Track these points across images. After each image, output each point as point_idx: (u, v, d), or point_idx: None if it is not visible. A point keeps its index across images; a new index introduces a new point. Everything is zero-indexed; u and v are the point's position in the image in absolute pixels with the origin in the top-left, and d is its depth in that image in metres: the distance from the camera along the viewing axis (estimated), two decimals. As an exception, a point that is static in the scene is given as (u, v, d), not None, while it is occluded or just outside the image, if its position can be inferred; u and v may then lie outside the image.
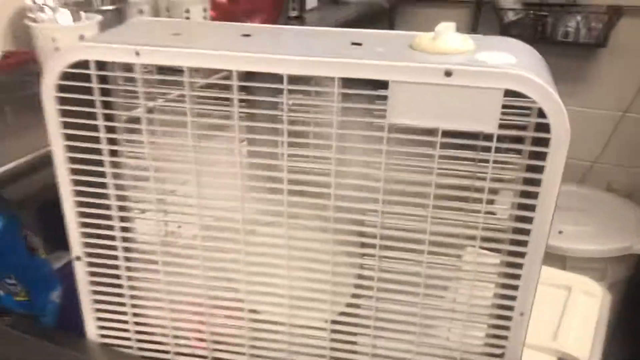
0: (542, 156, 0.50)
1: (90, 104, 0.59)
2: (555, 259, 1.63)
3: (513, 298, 0.58)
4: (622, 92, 1.97)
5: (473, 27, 2.03)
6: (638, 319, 1.94)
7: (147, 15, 1.01)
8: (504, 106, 0.49)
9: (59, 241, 0.89)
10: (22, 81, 0.91)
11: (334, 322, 0.64)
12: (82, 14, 0.85)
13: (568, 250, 1.67)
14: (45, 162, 0.75)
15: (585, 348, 1.11)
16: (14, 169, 0.76)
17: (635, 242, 1.67)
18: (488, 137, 0.50)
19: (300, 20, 1.52)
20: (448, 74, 0.49)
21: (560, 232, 1.75)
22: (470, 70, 0.48)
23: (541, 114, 0.48)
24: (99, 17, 0.83)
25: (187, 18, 1.02)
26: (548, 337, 1.12)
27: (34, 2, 0.94)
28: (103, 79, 0.58)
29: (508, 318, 0.59)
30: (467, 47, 0.52)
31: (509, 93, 0.48)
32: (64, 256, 0.97)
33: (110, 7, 0.92)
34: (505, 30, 1.90)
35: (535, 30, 1.86)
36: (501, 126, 0.49)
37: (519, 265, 0.56)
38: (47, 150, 0.74)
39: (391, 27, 2.12)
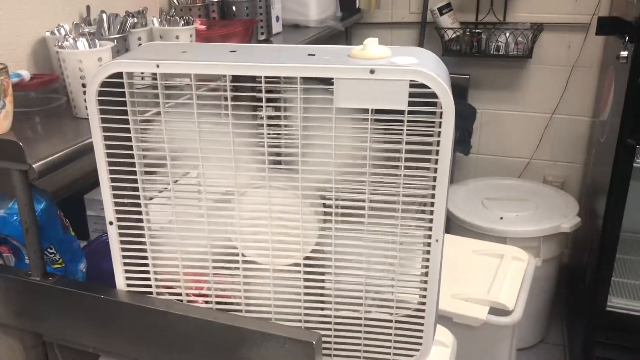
0: (436, 123, 0.75)
1: (122, 104, 0.82)
2: (497, 240, 1.88)
3: (430, 229, 0.82)
4: (549, 95, 2.27)
5: (419, 45, 2.31)
6: (566, 288, 2.22)
7: (144, 42, 1.24)
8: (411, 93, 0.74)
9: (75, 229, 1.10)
10: (48, 97, 1.13)
11: (306, 258, 0.88)
12: (97, 41, 1.08)
13: (507, 232, 1.94)
14: (69, 160, 0.97)
15: (512, 299, 1.36)
16: (44, 165, 0.93)
17: (564, 222, 1.95)
18: (402, 111, 0.75)
19: (268, 42, 1.76)
20: (372, 71, 0.73)
21: (501, 218, 2.01)
22: (386, 68, 0.73)
23: (435, 95, 0.73)
24: (111, 44, 1.06)
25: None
26: (482, 292, 1.37)
27: (54, 34, 1.17)
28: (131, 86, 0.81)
29: (428, 244, 0.83)
30: (386, 54, 0.77)
31: (413, 83, 0.73)
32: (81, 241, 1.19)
33: (117, 36, 1.15)
34: (446, 46, 2.19)
35: (471, 46, 2.15)
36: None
37: (432, 204, 0.80)
38: (70, 150, 0.96)
39: (348, 47, 2.38)
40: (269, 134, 0.80)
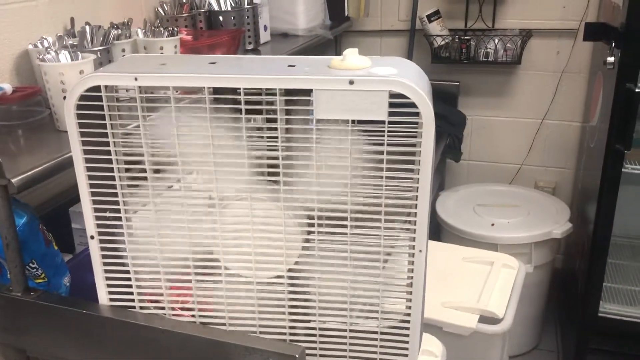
0: (418, 133, 0.74)
1: (101, 117, 0.81)
2: (488, 246, 1.87)
3: (413, 239, 0.81)
4: (539, 101, 2.27)
5: (409, 52, 2.31)
6: (559, 294, 2.21)
7: (128, 54, 1.24)
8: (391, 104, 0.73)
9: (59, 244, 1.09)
10: (31, 110, 1.12)
11: (290, 270, 0.87)
12: (79, 53, 1.07)
13: (499, 239, 1.93)
14: (51, 173, 0.96)
15: (502, 307, 1.35)
16: (23, 180, 0.92)
17: (555, 227, 1.95)
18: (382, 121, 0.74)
19: (255, 52, 1.76)
20: (351, 82, 0.73)
21: (492, 225, 2.01)
22: (365, 79, 0.73)
23: (414, 105, 0.73)
24: (93, 56, 1.06)
25: (162, 53, 1.25)
26: (472, 300, 1.37)
27: (37, 46, 1.16)
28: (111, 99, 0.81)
29: (412, 255, 0.82)
30: (366, 65, 0.76)
31: (392, 93, 0.73)
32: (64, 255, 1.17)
33: (99, 48, 1.14)
34: (435, 53, 2.19)
35: (460, 53, 2.15)
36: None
37: (414, 214, 0.79)
38: (52, 164, 0.95)
39: (337, 55, 2.38)
40: (253, 145, 0.80)
